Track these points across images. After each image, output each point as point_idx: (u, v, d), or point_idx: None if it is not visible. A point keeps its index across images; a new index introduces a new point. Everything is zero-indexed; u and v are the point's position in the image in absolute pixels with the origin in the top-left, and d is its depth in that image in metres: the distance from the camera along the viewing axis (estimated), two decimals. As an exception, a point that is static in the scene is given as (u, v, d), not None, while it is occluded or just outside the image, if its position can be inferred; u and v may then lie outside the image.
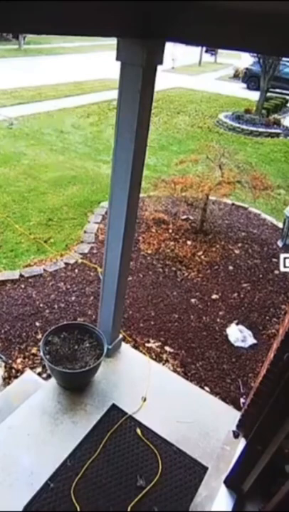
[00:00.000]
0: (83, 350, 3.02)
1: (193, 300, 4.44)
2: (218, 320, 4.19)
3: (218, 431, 2.79)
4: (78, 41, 26.84)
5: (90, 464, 2.52)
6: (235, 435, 2.67)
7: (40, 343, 3.00)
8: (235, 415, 2.79)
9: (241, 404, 3.18)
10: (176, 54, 20.62)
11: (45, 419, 2.76)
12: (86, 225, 5.77)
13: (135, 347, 3.65)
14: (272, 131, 11.77)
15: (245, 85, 18.89)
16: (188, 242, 5.45)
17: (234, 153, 6.62)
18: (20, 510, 2.26)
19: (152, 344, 3.76)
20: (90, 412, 2.85)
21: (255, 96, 13.89)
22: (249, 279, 4.90)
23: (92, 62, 20.60)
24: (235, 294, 4.62)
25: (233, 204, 6.73)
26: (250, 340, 3.93)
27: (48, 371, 3.11)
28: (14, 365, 3.38)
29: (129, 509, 2.34)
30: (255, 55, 13.38)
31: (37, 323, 3.85)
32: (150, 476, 2.51)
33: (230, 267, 5.09)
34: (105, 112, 12.02)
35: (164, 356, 3.64)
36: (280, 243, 5.72)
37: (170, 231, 5.67)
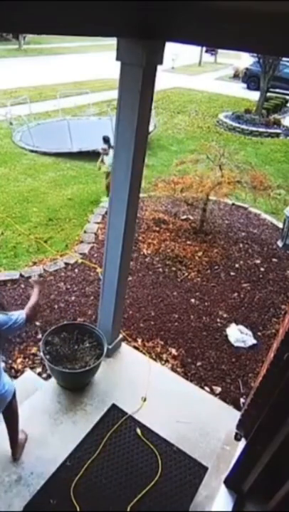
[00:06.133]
0: (83, 350, 3.02)
1: (193, 300, 4.44)
2: (218, 320, 4.19)
3: (218, 431, 2.79)
4: (78, 41, 26.83)
5: (90, 464, 2.52)
6: (238, 438, 2.66)
7: (40, 343, 3.00)
8: (236, 415, 2.78)
9: (241, 404, 3.18)
10: (178, 52, 20.45)
11: (45, 419, 2.77)
12: (86, 224, 5.77)
13: (135, 347, 3.65)
14: (272, 131, 11.76)
15: (245, 85, 18.87)
16: (189, 242, 5.45)
17: (234, 153, 6.61)
18: (20, 510, 2.26)
19: (152, 344, 3.76)
20: (90, 412, 2.85)
21: (255, 96, 13.88)
22: (249, 279, 4.90)
23: (92, 62, 20.58)
24: (235, 294, 4.62)
25: (233, 204, 6.73)
26: (250, 341, 3.92)
27: (48, 371, 3.11)
28: (14, 365, 3.38)
29: (129, 509, 2.34)
30: (255, 55, 13.39)
31: (37, 323, 3.85)
32: (150, 476, 2.51)
33: (230, 267, 5.08)
34: (105, 112, 12.00)
35: (164, 356, 3.64)
36: (280, 243, 5.72)
37: (170, 231, 5.67)
